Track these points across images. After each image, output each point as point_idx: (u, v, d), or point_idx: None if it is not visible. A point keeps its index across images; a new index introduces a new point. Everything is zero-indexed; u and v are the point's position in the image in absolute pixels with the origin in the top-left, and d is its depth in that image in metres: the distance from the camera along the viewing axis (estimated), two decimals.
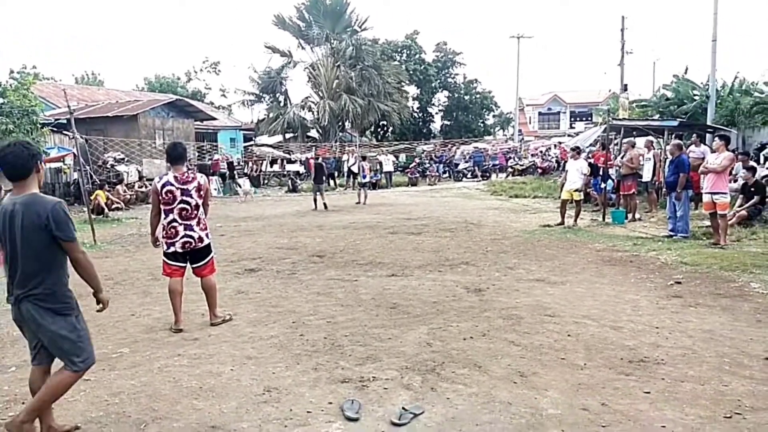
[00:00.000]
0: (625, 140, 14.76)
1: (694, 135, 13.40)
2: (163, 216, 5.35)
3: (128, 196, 18.81)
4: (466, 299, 6.25)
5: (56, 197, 3.27)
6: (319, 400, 3.79)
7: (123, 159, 21.90)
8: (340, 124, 35.55)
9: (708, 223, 9.80)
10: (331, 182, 26.31)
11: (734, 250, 8.50)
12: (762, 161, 14.55)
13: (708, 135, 15.75)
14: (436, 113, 47.81)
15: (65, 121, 19.27)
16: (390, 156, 29.78)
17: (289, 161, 30.79)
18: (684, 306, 5.84)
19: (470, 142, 36.80)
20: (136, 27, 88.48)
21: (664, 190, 11.75)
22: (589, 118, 47.42)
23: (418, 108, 45.71)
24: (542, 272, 7.54)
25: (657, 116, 21.54)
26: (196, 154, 26.51)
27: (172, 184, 5.27)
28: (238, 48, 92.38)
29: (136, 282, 7.59)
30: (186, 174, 5.37)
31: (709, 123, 18.16)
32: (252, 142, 35.43)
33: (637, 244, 9.39)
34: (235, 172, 25.52)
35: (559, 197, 12.78)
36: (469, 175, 29.51)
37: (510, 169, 28.87)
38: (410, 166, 30.02)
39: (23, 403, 3.85)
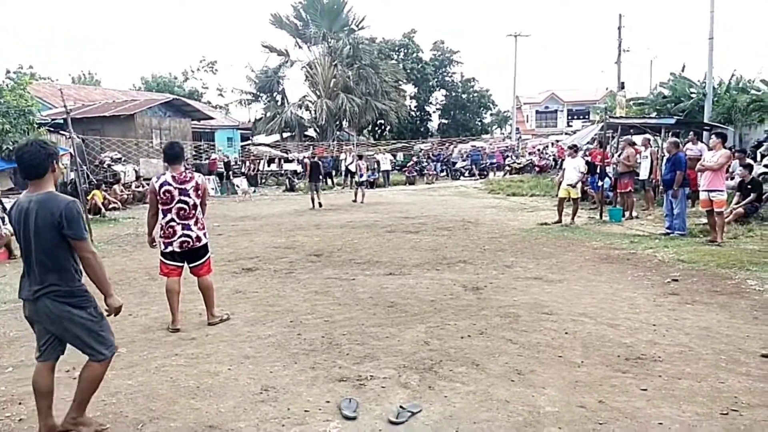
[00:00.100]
0: (622, 138, 14.78)
1: (692, 133, 13.40)
2: (161, 216, 5.35)
3: (125, 196, 18.79)
4: (464, 297, 6.26)
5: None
6: (317, 399, 3.79)
7: (120, 159, 21.86)
8: (337, 123, 35.51)
9: (705, 220, 9.82)
10: (329, 181, 26.30)
11: (731, 248, 8.52)
12: (759, 159, 14.58)
13: (705, 133, 15.79)
14: (434, 112, 47.85)
15: (62, 121, 19.20)
16: (387, 155, 29.77)
17: (287, 160, 30.76)
18: (681, 303, 5.85)
19: (468, 141, 36.82)
20: (132, 27, 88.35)
21: (661, 187, 11.76)
22: (587, 117, 47.51)
23: (415, 107, 45.69)
24: (540, 270, 7.55)
25: (654, 114, 21.56)
26: (194, 153, 26.47)
27: (170, 184, 5.26)
28: (235, 47, 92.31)
29: (133, 282, 7.59)
30: (184, 173, 5.36)
31: (706, 121, 18.20)
32: (249, 142, 35.37)
33: (634, 241, 9.40)
34: (231, 171, 25.49)
35: (557, 195, 12.80)
36: (466, 174, 29.52)
37: (507, 168, 28.88)
38: (408, 165, 30.01)
39: (20, 403, 3.85)
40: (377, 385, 3.97)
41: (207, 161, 26.24)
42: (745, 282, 6.58)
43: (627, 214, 12.24)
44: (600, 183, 13.44)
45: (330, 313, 5.76)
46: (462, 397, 3.77)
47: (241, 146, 33.76)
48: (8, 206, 10.80)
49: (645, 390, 3.79)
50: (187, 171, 5.52)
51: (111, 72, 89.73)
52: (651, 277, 7.05)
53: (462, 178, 28.98)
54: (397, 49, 43.31)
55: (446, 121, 47.14)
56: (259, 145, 33.80)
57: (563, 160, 15.40)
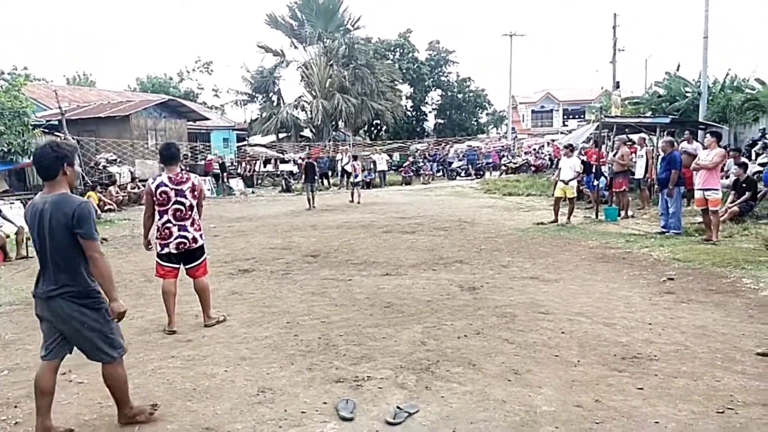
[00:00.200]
0: (617, 138, 14.82)
1: (687, 132, 13.45)
2: (157, 217, 5.33)
3: (121, 198, 18.73)
4: (461, 298, 6.26)
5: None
6: (314, 400, 3.79)
7: (115, 160, 21.79)
8: (333, 123, 35.49)
9: (700, 219, 9.85)
10: (325, 182, 26.28)
11: (726, 246, 8.55)
12: (753, 157, 14.64)
13: (700, 132, 15.84)
14: (430, 112, 47.83)
15: (57, 123, 19.21)
16: (384, 155, 29.74)
17: (283, 161, 30.73)
18: (676, 302, 5.87)
19: (464, 141, 36.82)
20: (127, 27, 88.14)
21: (656, 186, 11.80)
22: (582, 116, 47.64)
23: (411, 107, 45.70)
24: (536, 270, 7.56)
25: (649, 113, 21.62)
26: (189, 154, 26.43)
27: (166, 185, 5.25)
28: (230, 48, 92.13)
29: (129, 284, 7.56)
30: (180, 174, 5.35)
31: (701, 120, 18.26)
32: (245, 142, 35.33)
33: (629, 241, 9.43)
34: (226, 172, 25.49)
35: (553, 195, 12.82)
36: (462, 174, 29.53)
37: (503, 168, 28.91)
38: (404, 165, 29.99)
39: (16, 406, 3.84)
40: (374, 386, 3.97)
41: (203, 162, 26.20)
42: (740, 280, 6.60)
43: (622, 213, 12.27)
44: (596, 182, 13.48)
45: (327, 314, 5.76)
46: (459, 397, 3.77)
47: (237, 147, 33.72)
48: (2, 208, 10.79)
49: (641, 389, 3.80)
50: (184, 172, 5.51)
51: (106, 73, 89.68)
52: (647, 276, 7.07)
53: (458, 178, 28.99)
54: (392, 49, 43.30)
55: (442, 121, 47.15)
56: (255, 145, 33.74)
57: (559, 159, 15.44)
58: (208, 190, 22.71)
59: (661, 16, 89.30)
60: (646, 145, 13.89)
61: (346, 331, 5.20)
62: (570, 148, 12.88)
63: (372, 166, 27.06)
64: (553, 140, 32.93)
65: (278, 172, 29.17)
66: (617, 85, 28.28)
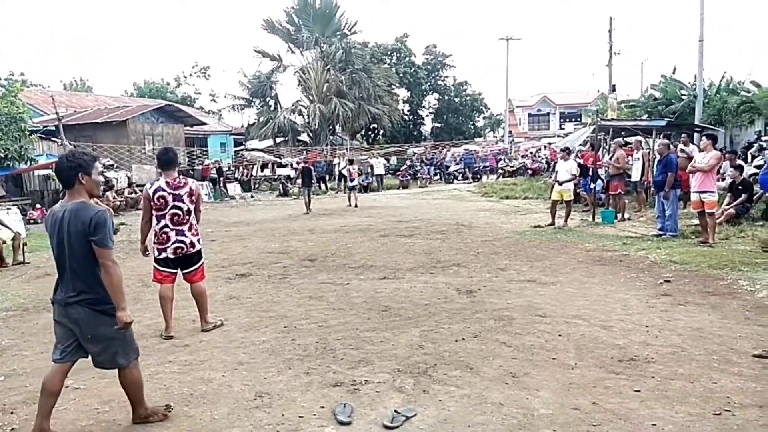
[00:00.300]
0: (612, 141, 14.86)
1: (684, 135, 13.50)
2: (154, 221, 5.33)
3: (118, 203, 18.69)
4: (458, 301, 6.26)
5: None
6: (311, 404, 3.78)
7: (112, 165, 21.76)
8: (330, 127, 35.51)
9: (696, 221, 9.87)
10: (323, 186, 26.31)
11: (722, 249, 8.57)
12: (749, 160, 14.69)
13: (696, 134, 15.90)
14: (427, 116, 47.89)
15: (54, 128, 19.18)
16: (381, 159, 29.78)
17: (280, 165, 30.73)
18: (673, 304, 5.88)
19: (461, 144, 36.93)
20: (124, 32, 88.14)
21: (652, 189, 11.83)
22: (579, 119, 47.76)
23: (408, 111, 45.77)
24: (533, 273, 7.57)
25: (645, 116, 21.73)
26: (187, 159, 26.41)
27: (164, 190, 5.25)
28: (227, 52, 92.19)
29: (126, 289, 7.51)
30: (178, 179, 5.35)
31: (696, 122, 18.33)
32: (242, 147, 35.32)
33: (626, 243, 9.45)
34: (223, 177, 25.50)
35: (549, 198, 12.84)
36: (459, 177, 29.57)
37: (500, 171, 28.96)
38: (401, 169, 30.02)
39: (12, 413, 3.82)
40: (372, 390, 3.97)
41: (201, 167, 26.19)
42: (736, 282, 6.62)
43: (619, 216, 12.30)
44: (592, 185, 13.50)
45: (324, 318, 5.75)
46: (456, 400, 3.77)
47: (235, 151, 33.71)
48: (1, 213, 10.76)
49: (638, 391, 3.81)
50: (181, 176, 5.52)
51: (103, 78, 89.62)
52: (643, 278, 7.08)
53: (455, 181, 29.02)
54: (389, 53, 43.40)
55: (439, 125, 47.22)
56: (253, 150, 33.72)
57: (556, 162, 15.47)
58: (206, 194, 22.72)
59: (657, 19, 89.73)
60: (643, 148, 13.93)
61: (344, 335, 5.19)
62: (567, 151, 12.90)
63: (369, 170, 27.08)
64: (549, 143, 33.02)
65: (275, 177, 29.17)
66: (613, 89, 28.39)
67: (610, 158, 13.14)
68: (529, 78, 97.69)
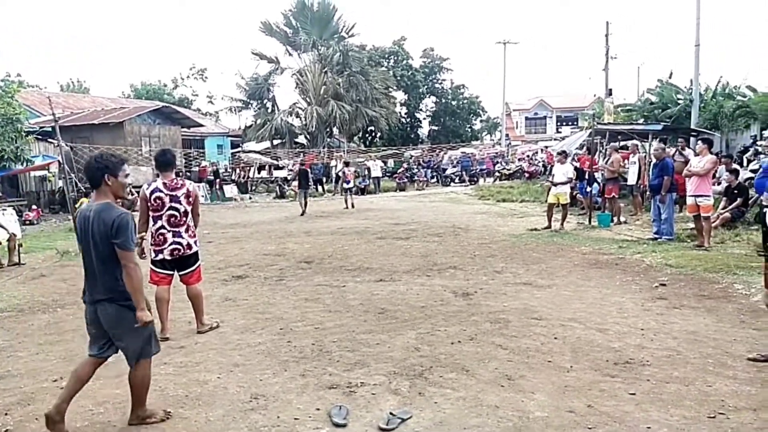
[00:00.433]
0: (608, 145, 14.91)
1: (681, 139, 13.55)
2: (151, 223, 5.33)
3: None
4: (454, 303, 6.27)
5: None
6: (307, 406, 3.78)
7: None
8: (328, 129, 35.51)
9: (692, 225, 9.91)
10: (320, 188, 26.32)
11: (718, 252, 8.60)
12: (745, 164, 14.75)
13: (692, 138, 15.96)
14: (424, 118, 47.95)
15: (50, 129, 19.10)
16: (378, 161, 29.78)
17: (277, 167, 30.72)
18: (669, 308, 5.89)
19: (458, 147, 36.94)
20: (122, 34, 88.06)
21: (648, 193, 11.87)
22: (575, 123, 47.92)
23: (405, 113, 45.81)
24: (529, 276, 7.58)
25: (642, 120, 21.79)
26: (183, 161, 26.38)
27: (161, 191, 5.25)
28: (225, 55, 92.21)
29: None
30: (175, 180, 5.35)
31: (693, 127, 18.40)
32: (239, 149, 35.30)
33: (622, 246, 9.46)
34: (219, 178, 25.50)
35: (546, 201, 12.87)
36: (456, 180, 29.60)
37: (497, 174, 28.99)
38: (398, 172, 30.04)
39: (6, 414, 3.81)
40: (367, 392, 3.96)
41: (198, 168, 26.18)
42: (732, 286, 6.64)
43: (615, 219, 12.32)
44: (588, 189, 13.53)
45: (320, 320, 5.75)
46: (452, 402, 3.77)
47: (232, 153, 33.69)
48: None
49: (633, 394, 3.82)
50: (179, 178, 5.51)
51: (100, 79, 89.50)
52: (639, 281, 7.10)
53: (452, 184, 29.04)
54: (387, 56, 43.43)
55: (436, 128, 47.28)
56: (250, 152, 33.74)
57: (552, 166, 15.50)
58: (202, 196, 22.70)
59: (654, 24, 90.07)
60: (639, 152, 13.97)
61: (340, 337, 5.19)
62: (564, 155, 12.94)
63: (366, 172, 27.09)
64: (546, 147, 33.10)
65: (272, 179, 29.17)
66: (610, 93, 28.52)
67: (606, 162, 13.18)
68: (526, 81, 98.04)
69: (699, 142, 10.08)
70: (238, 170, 29.60)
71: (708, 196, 9.16)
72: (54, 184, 20.09)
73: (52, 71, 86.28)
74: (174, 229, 5.28)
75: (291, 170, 27.54)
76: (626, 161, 14.19)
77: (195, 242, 5.43)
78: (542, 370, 4.28)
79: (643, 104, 24.53)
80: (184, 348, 5.05)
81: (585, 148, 17.29)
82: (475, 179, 29.13)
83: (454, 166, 31.03)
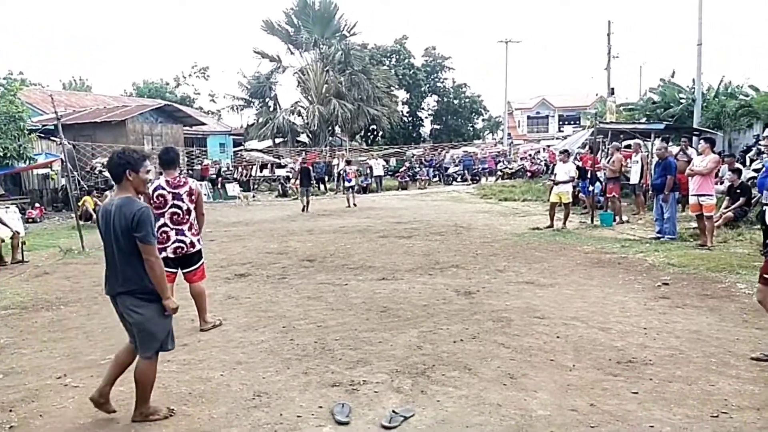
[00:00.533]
0: (610, 144, 14.89)
1: (683, 139, 13.53)
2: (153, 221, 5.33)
3: None
4: (456, 302, 6.27)
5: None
6: (310, 404, 3.79)
7: None
8: (329, 128, 35.53)
9: (695, 224, 9.90)
10: (322, 187, 26.33)
11: (721, 252, 8.59)
12: (747, 163, 14.72)
13: (694, 138, 15.94)
14: (426, 117, 47.93)
15: (53, 127, 19.12)
16: (380, 160, 29.78)
17: (279, 166, 30.73)
18: (671, 307, 5.89)
19: (460, 146, 36.92)
20: (124, 32, 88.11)
21: (650, 192, 11.86)
22: (578, 122, 47.86)
23: (407, 112, 45.80)
24: (532, 275, 7.58)
25: (644, 119, 21.77)
26: (186, 159, 26.40)
27: (163, 188, 5.26)
28: (227, 53, 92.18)
29: None
30: (178, 178, 5.36)
31: (695, 126, 18.38)
32: (242, 147, 35.31)
33: (625, 246, 9.46)
34: (221, 177, 25.53)
35: (548, 200, 12.86)
36: (458, 179, 29.57)
37: (499, 173, 28.97)
38: (400, 170, 30.01)
39: (11, 410, 3.82)
40: (370, 390, 3.97)
41: (200, 167, 26.19)
42: (734, 285, 6.64)
43: (617, 218, 12.31)
44: (591, 188, 13.52)
45: (323, 319, 5.76)
46: (454, 401, 3.78)
47: (234, 152, 33.71)
48: (0, 212, 10.76)
49: (636, 393, 3.82)
50: (181, 176, 5.52)
51: (102, 78, 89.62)
52: (642, 281, 7.09)
53: (454, 183, 29.02)
54: (388, 55, 43.42)
55: (438, 127, 47.26)
56: (252, 150, 33.72)
57: (555, 165, 15.49)
58: (205, 195, 22.74)
59: (656, 23, 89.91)
60: (641, 151, 13.95)
61: (342, 335, 5.20)
62: (566, 154, 12.93)
63: (368, 171, 27.09)
64: (548, 146, 33.05)
65: (275, 177, 29.18)
66: (612, 92, 28.50)
67: (608, 161, 13.16)
68: (528, 80, 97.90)
69: (701, 141, 10.06)
70: (240, 169, 29.60)
71: (711, 195, 9.16)
72: (57, 182, 20.12)
73: (54, 70, 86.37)
74: (177, 227, 5.29)
75: (291, 169, 27.57)
76: (629, 160, 14.17)
77: (198, 240, 5.44)
78: (545, 369, 4.28)
79: (645, 103, 24.50)
80: (187, 346, 5.05)
81: (587, 147, 17.28)
82: (477, 178, 29.10)
83: (456, 165, 31.00)
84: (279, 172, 29.57)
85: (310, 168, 19.86)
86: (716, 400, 3.70)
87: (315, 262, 8.91)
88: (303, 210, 17.38)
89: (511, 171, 28.50)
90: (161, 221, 5.27)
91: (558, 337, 4.99)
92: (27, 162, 16.96)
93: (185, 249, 5.31)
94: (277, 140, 35.74)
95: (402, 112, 43.97)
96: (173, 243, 5.27)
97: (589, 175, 13.96)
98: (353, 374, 4.26)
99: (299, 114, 35.82)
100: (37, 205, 17.67)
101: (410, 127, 46.21)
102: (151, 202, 5.26)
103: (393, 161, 34.65)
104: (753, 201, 11.12)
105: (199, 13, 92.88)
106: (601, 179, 13.64)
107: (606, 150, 15.81)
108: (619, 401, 3.70)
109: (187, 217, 5.32)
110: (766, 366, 4.22)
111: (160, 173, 5.47)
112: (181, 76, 49.41)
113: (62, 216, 17.58)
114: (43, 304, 6.78)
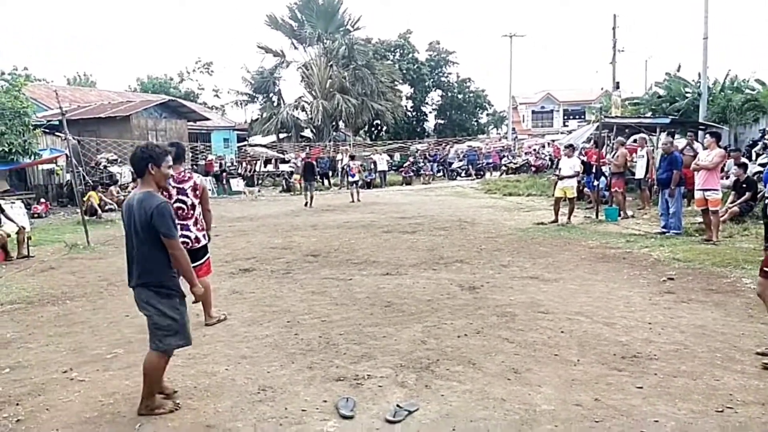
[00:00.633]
0: (615, 139, 14.84)
1: (689, 134, 13.46)
2: None
3: (121, 198, 18.72)
4: (461, 297, 6.27)
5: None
6: (314, 398, 3.80)
7: (116, 160, 21.79)
8: (333, 123, 35.48)
9: (700, 219, 9.85)
10: (326, 182, 26.33)
11: (726, 246, 8.55)
12: (753, 158, 14.65)
13: (700, 132, 15.86)
14: (430, 112, 47.82)
15: (57, 123, 19.19)
16: (384, 155, 29.73)
17: (283, 161, 30.74)
18: (676, 302, 5.88)
19: (464, 141, 36.81)
20: (128, 28, 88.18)
21: (655, 187, 11.81)
22: (582, 117, 47.66)
23: (411, 107, 45.69)
24: (536, 270, 7.57)
25: (649, 114, 21.65)
26: (190, 154, 26.44)
27: (168, 183, 5.26)
28: (230, 48, 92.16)
29: None
30: (182, 173, 5.37)
31: (701, 120, 18.27)
32: (246, 142, 35.33)
33: (630, 240, 9.43)
34: (225, 172, 25.56)
35: (553, 195, 12.83)
36: (463, 174, 29.53)
37: (504, 168, 28.90)
38: (404, 165, 29.98)
39: (17, 404, 3.85)
40: (374, 385, 3.98)
41: (204, 162, 26.25)
42: (740, 280, 6.62)
43: (622, 213, 12.27)
44: (596, 182, 13.48)
45: (327, 313, 5.77)
46: (459, 395, 3.78)
47: (238, 147, 33.73)
48: (5, 207, 10.81)
49: (640, 388, 3.81)
50: (186, 171, 5.53)
51: (106, 73, 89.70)
52: (647, 275, 7.08)
53: (458, 178, 28.98)
54: (392, 49, 43.29)
55: (442, 122, 47.16)
56: (256, 145, 33.74)
57: (559, 159, 15.45)
58: (209, 190, 22.79)
59: (662, 16, 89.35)
60: (647, 145, 13.90)
61: (347, 330, 5.21)
62: (571, 148, 12.89)
63: (372, 166, 27.06)
64: (553, 141, 32.95)
65: (279, 172, 29.19)
66: (617, 86, 28.33)
67: (612, 156, 13.12)
68: (533, 75, 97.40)
69: (707, 135, 10.02)
70: (244, 164, 29.63)
71: (716, 190, 9.11)
72: (62, 178, 20.18)
73: (58, 65, 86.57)
74: (182, 222, 5.29)
75: (293, 164, 27.58)
76: (634, 155, 14.12)
77: (203, 235, 5.45)
78: (549, 364, 4.28)
79: (650, 98, 24.34)
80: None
81: (592, 141, 17.23)
82: (482, 173, 29.05)
83: (461, 160, 30.95)
84: (283, 167, 29.59)
85: (314, 163, 19.86)
86: (721, 394, 3.69)
87: (319, 257, 8.92)
88: (306, 205, 17.45)
89: (516, 166, 28.45)
90: None
91: (562, 331, 4.99)
92: (32, 157, 17.00)
93: (190, 244, 5.32)
94: (281, 135, 35.73)
95: (406, 107, 43.89)
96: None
97: (593, 170, 13.91)
98: (358, 369, 4.27)
99: (303, 109, 35.78)
100: (42, 200, 17.74)
101: (414, 122, 46.12)
102: None
103: (397, 156, 34.58)
104: (759, 196, 11.07)
105: (203, 8, 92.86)
106: (606, 174, 13.60)
107: (611, 145, 15.76)
108: (624, 396, 3.70)
109: (191, 212, 5.32)
110: None
111: None
112: (185, 71, 49.46)
113: (67, 211, 17.64)
114: (49, 299, 6.82)
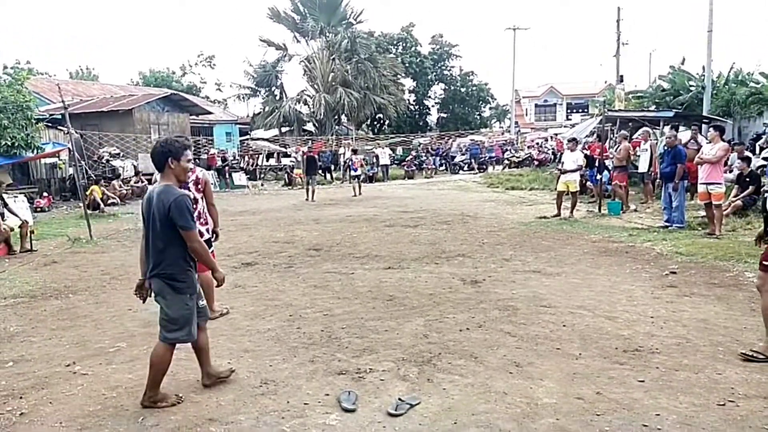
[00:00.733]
0: (618, 133, 14.80)
1: (693, 127, 13.41)
2: None
3: (124, 191, 18.76)
4: (463, 291, 6.27)
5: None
6: (316, 392, 3.81)
7: (118, 154, 21.81)
8: (336, 117, 35.42)
9: (703, 213, 9.83)
10: (328, 176, 26.32)
11: (729, 240, 8.54)
12: (757, 151, 14.59)
13: (704, 126, 15.80)
14: (433, 106, 47.63)
15: (60, 117, 19.21)
16: (386, 149, 29.70)
17: (286, 155, 30.72)
18: (679, 296, 5.87)
19: (467, 135, 36.76)
20: (130, 21, 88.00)
21: (659, 180, 11.78)
22: (586, 110, 47.45)
23: (414, 101, 45.53)
24: (538, 263, 7.57)
25: (653, 107, 21.58)
26: (192, 148, 26.38)
27: None
28: (233, 42, 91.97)
29: (132, 277, 7.56)
30: None
31: (705, 114, 18.20)
32: (248, 136, 35.29)
33: (632, 234, 9.42)
34: (227, 166, 25.56)
35: (555, 189, 12.81)
36: (465, 168, 29.49)
37: (506, 162, 28.86)
38: (407, 159, 29.96)
39: (21, 397, 3.87)
40: (376, 378, 3.99)
41: (206, 156, 26.24)
42: (742, 274, 6.60)
43: (625, 207, 12.25)
44: (599, 176, 13.45)
45: (329, 307, 5.78)
46: (460, 389, 3.79)
47: (240, 141, 33.70)
48: (8, 201, 10.83)
49: (642, 381, 3.81)
50: None
51: (109, 67, 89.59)
52: (649, 269, 7.07)
53: (461, 172, 28.95)
54: (395, 43, 43.11)
55: (445, 115, 47.00)
56: (258, 139, 33.71)
57: (562, 153, 15.41)
58: (212, 184, 22.81)
59: (666, 9, 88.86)
60: (650, 139, 13.85)
61: (349, 323, 5.22)
62: (574, 142, 12.86)
63: (375, 160, 27.03)
64: (556, 134, 32.88)
65: (281, 166, 29.18)
66: (621, 79, 28.24)
67: (615, 150, 13.08)
68: (536, 68, 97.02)
69: (711, 129, 9.97)
70: (246, 158, 29.62)
71: (719, 183, 9.08)
72: (65, 172, 20.21)
73: (61, 59, 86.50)
74: None
75: (294, 159, 27.58)
76: (637, 149, 14.07)
77: (207, 230, 5.44)
78: (551, 357, 4.28)
79: (654, 91, 24.25)
80: None
81: (595, 135, 17.18)
82: (484, 167, 29.02)
83: (463, 154, 30.91)
84: (285, 161, 29.59)
85: (316, 157, 19.86)
86: (723, 388, 3.69)
87: (321, 251, 8.93)
88: (307, 199, 17.45)
89: (519, 160, 28.40)
90: None
91: (564, 325, 4.99)
92: (35, 151, 17.01)
93: None
94: (284, 129, 35.67)
95: (408, 100, 43.75)
96: None
97: (597, 164, 13.87)
98: (360, 362, 4.28)
99: (305, 103, 35.70)
100: (45, 194, 17.77)
101: (417, 116, 45.98)
102: None
103: (399, 150, 34.51)
104: (762, 189, 11.03)
105: (205, 1, 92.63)
106: (609, 168, 13.56)
107: (614, 138, 15.71)
108: (626, 389, 3.70)
109: (194, 206, 5.31)
110: None
111: None
112: (188, 65, 49.32)
113: (70, 205, 17.67)
114: (52, 293, 6.84)
